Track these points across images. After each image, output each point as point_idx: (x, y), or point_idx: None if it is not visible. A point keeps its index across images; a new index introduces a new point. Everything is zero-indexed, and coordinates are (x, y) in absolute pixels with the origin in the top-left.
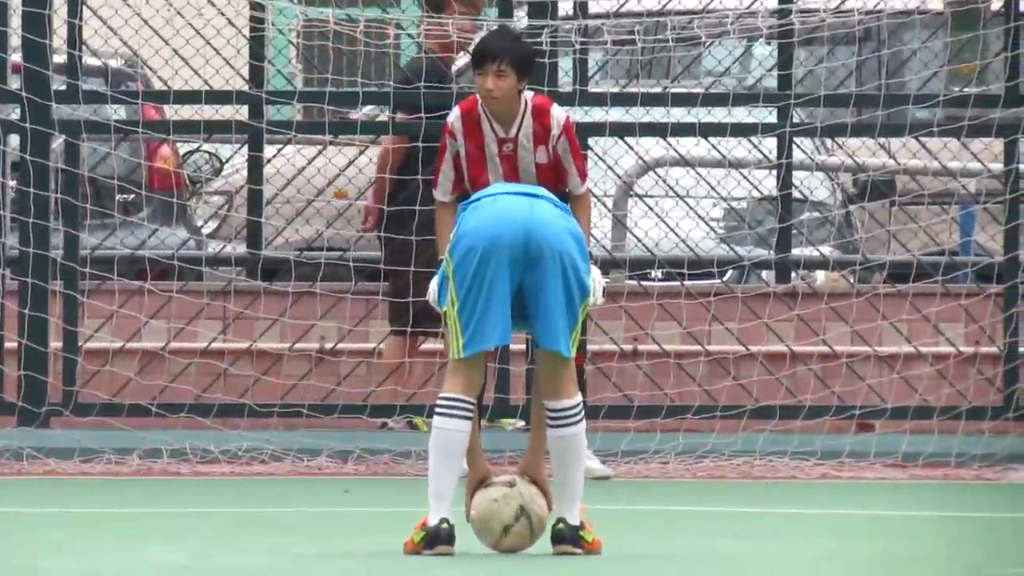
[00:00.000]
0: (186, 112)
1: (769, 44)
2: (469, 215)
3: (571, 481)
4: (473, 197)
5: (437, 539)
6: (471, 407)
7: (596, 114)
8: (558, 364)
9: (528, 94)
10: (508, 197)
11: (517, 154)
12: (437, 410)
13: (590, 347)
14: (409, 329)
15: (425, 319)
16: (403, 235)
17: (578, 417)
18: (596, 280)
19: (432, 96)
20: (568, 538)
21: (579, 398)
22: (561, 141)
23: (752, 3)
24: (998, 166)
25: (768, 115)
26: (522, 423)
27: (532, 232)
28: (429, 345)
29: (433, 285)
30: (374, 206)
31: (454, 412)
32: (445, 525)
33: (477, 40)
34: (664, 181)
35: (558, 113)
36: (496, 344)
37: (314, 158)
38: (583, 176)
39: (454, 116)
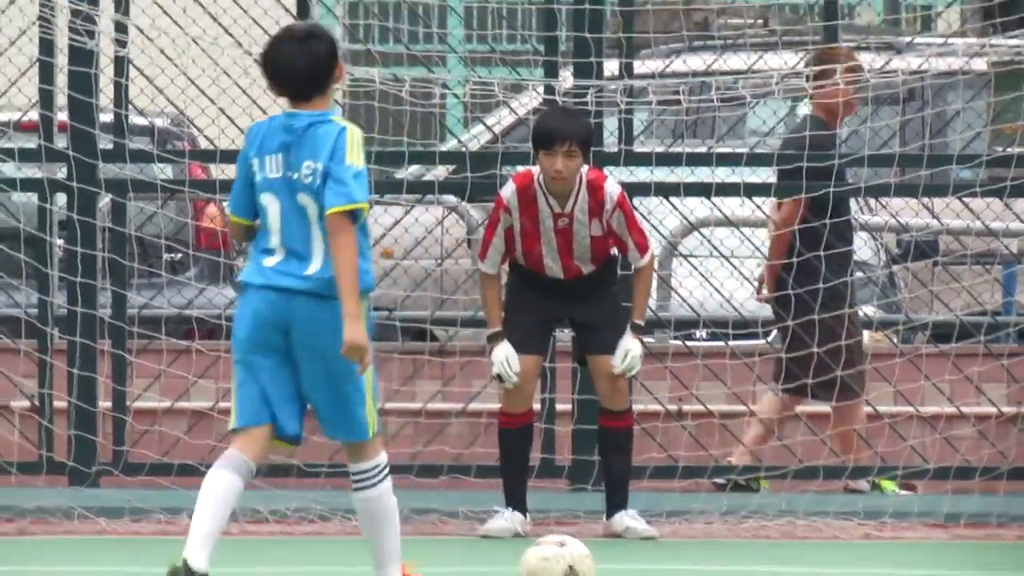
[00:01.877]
0: (232, 171)
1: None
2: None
3: (382, 543)
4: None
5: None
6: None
7: (641, 174)
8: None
9: (583, 168)
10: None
11: (572, 228)
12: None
13: (636, 407)
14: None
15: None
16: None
17: (378, 478)
18: (631, 351)
19: (817, 161)
20: None
21: (377, 460)
22: (616, 215)
23: (796, 64)
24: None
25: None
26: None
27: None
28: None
29: (501, 356)
30: (772, 269)
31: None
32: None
33: (546, 120)
34: (708, 241)
35: (611, 188)
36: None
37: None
38: (642, 249)
39: (509, 192)
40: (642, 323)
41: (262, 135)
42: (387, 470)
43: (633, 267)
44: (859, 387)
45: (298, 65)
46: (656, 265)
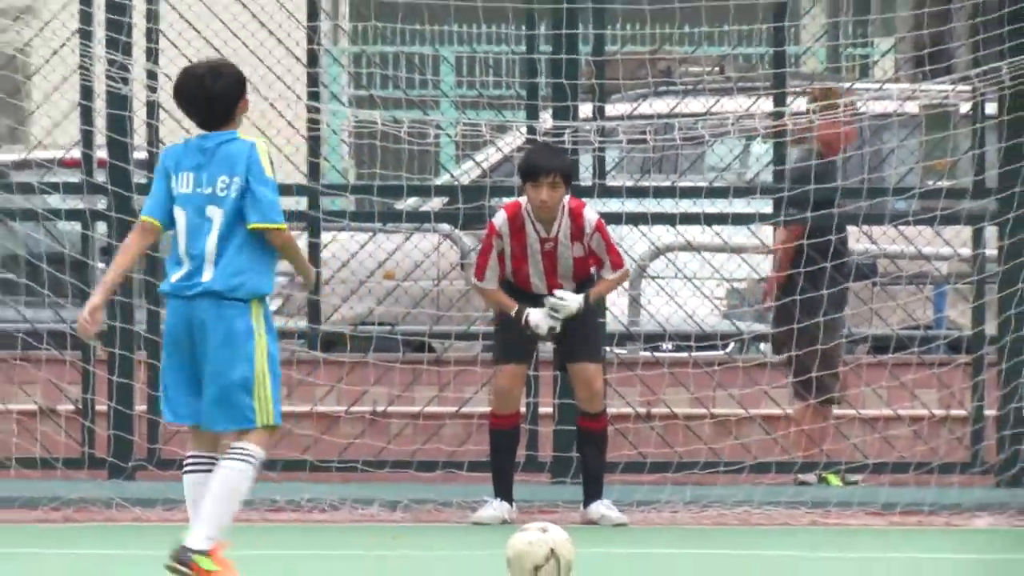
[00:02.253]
0: None
1: (765, 143)
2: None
3: (217, 512)
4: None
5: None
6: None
7: (613, 205)
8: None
9: (565, 198)
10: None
11: (557, 251)
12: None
13: (610, 410)
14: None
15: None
16: (803, 310)
17: (248, 459)
18: (568, 299)
19: (820, 192)
20: (178, 556)
21: (257, 449)
22: (595, 238)
23: (750, 106)
24: (967, 251)
25: (764, 206)
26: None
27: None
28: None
29: (539, 317)
30: (774, 280)
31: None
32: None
33: (533, 155)
34: (673, 264)
35: (590, 215)
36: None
37: (365, 244)
38: (616, 266)
39: (501, 220)
40: (590, 300)
41: (178, 155)
42: (259, 462)
43: (617, 275)
44: (841, 390)
45: (202, 97)
46: (627, 284)
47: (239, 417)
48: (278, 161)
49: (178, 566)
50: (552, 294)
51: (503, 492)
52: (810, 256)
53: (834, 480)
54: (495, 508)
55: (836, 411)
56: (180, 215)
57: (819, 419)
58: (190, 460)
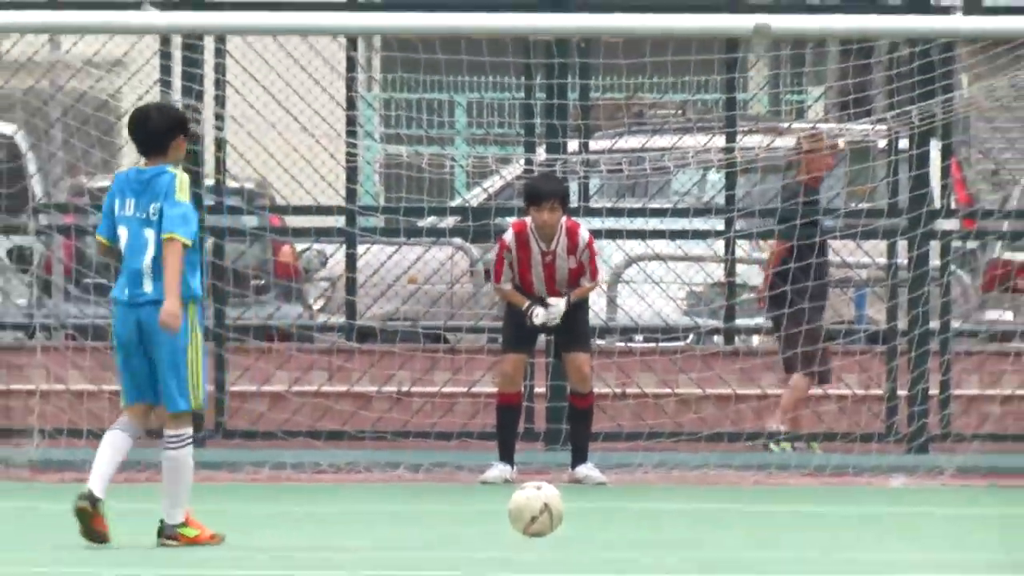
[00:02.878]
0: (301, 221)
1: (719, 172)
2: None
3: (175, 493)
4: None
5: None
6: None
7: (595, 222)
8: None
9: (563, 219)
10: None
11: (555, 263)
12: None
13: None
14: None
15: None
16: (792, 304)
17: (181, 444)
18: (554, 306)
19: (808, 210)
20: (165, 532)
21: (183, 430)
22: (586, 253)
23: (707, 142)
24: (883, 260)
25: (719, 224)
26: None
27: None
28: None
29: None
30: (766, 281)
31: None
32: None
33: (536, 183)
34: (644, 271)
35: (584, 234)
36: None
37: (392, 254)
38: (594, 276)
39: (510, 236)
40: (571, 300)
41: (123, 183)
42: (190, 440)
43: (594, 284)
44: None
45: (143, 131)
46: (605, 287)
47: (173, 402)
48: (321, 187)
49: (168, 541)
50: (546, 301)
51: (506, 456)
52: (799, 257)
53: (777, 448)
54: (499, 470)
55: (777, 391)
56: (124, 233)
57: (805, 391)
58: (120, 424)
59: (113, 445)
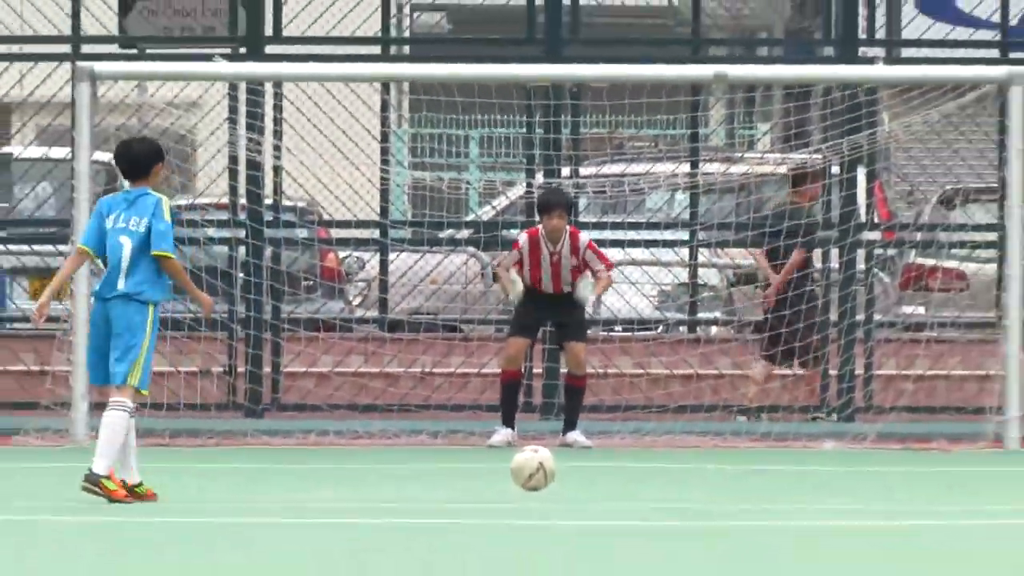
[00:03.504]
0: (343, 233)
1: (684, 193)
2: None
3: (105, 448)
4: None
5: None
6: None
7: (584, 235)
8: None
9: (567, 226)
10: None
11: (560, 262)
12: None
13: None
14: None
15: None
16: (792, 306)
17: (121, 410)
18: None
19: (804, 232)
20: (89, 479)
21: (127, 401)
22: (587, 252)
23: (674, 169)
24: (819, 265)
25: (684, 235)
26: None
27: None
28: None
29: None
30: (776, 287)
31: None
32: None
33: (547, 196)
34: (623, 273)
35: (583, 238)
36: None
37: (418, 260)
38: (608, 267)
39: (523, 240)
40: (598, 292)
41: (111, 203)
42: (129, 408)
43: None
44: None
45: (127, 158)
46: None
47: (120, 378)
48: (360, 205)
49: (90, 486)
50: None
51: (508, 422)
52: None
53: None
54: (503, 434)
55: (731, 372)
56: (111, 242)
57: (812, 378)
58: (114, 404)
59: (110, 426)
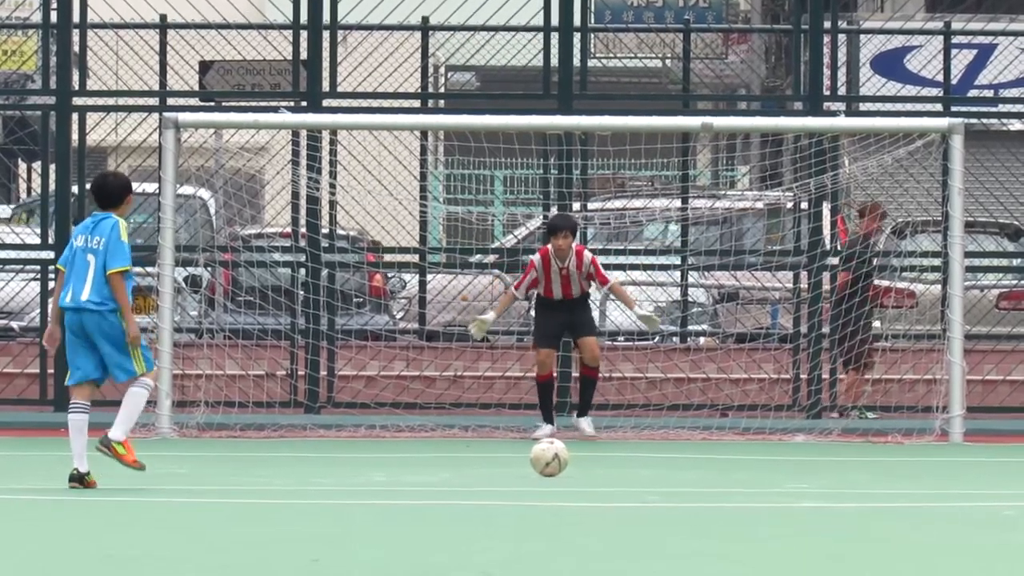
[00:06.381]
0: (388, 257)
1: (676, 225)
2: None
3: (124, 416)
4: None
5: (72, 479)
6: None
7: (588, 252)
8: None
9: (574, 244)
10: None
11: (569, 276)
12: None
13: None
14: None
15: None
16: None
17: (140, 388)
18: (647, 311)
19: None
20: (104, 442)
21: (146, 382)
22: (591, 267)
23: (668, 204)
24: (790, 285)
25: (676, 260)
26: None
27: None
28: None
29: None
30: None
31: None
32: (75, 471)
33: (556, 220)
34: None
35: (587, 255)
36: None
37: (451, 280)
38: (603, 282)
39: (538, 259)
40: (639, 308)
41: (81, 226)
42: (149, 388)
43: (605, 289)
44: (870, 364)
45: (102, 190)
46: (598, 302)
47: (125, 374)
48: (402, 234)
49: (103, 448)
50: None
51: (548, 419)
52: (854, 283)
53: (860, 415)
54: (545, 429)
55: (716, 376)
56: (79, 259)
57: (858, 379)
58: (74, 406)
59: (77, 427)
